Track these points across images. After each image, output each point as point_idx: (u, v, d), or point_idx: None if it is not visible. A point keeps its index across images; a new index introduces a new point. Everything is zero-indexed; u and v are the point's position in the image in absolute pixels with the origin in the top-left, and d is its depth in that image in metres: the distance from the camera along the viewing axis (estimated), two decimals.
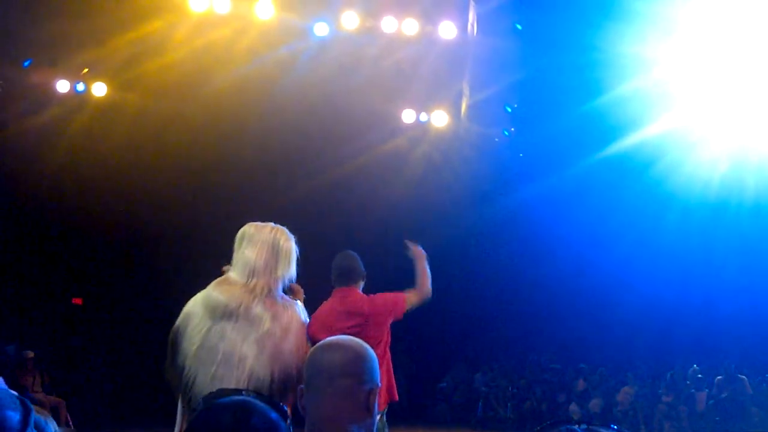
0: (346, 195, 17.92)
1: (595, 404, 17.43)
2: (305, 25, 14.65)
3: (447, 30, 14.90)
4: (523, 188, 18.08)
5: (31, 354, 15.21)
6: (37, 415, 2.08)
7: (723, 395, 15.84)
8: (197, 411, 1.98)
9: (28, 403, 1.81)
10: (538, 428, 1.84)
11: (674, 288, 17.24)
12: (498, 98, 16.84)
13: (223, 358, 4.35)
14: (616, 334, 18.31)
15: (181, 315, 4.58)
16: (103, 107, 15.99)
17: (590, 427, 1.85)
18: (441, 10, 14.99)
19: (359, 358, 2.62)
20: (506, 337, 20.22)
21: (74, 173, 16.57)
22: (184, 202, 17.48)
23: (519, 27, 15.61)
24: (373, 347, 2.72)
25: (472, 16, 15.10)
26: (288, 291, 4.72)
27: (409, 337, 18.57)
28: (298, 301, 4.68)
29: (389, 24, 14.64)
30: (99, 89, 15.67)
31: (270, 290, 4.50)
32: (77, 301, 20.42)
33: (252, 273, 4.51)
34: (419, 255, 6.30)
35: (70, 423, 14.27)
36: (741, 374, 16.08)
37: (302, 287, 5.13)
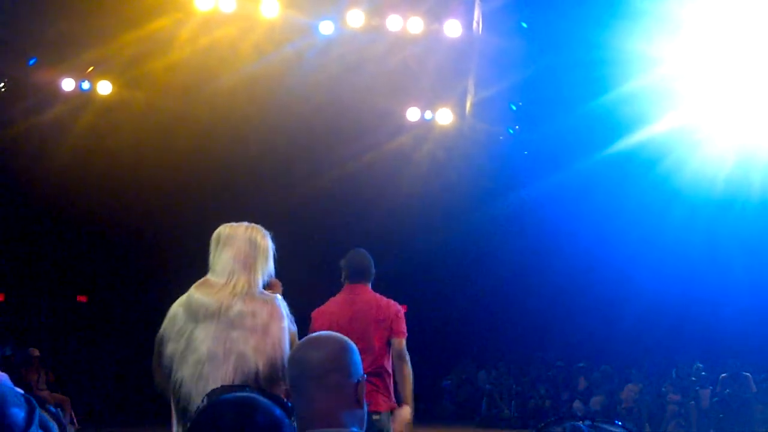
0: (351, 193, 17.94)
1: (596, 402, 17.42)
2: (311, 23, 14.65)
3: (452, 28, 14.89)
4: (528, 186, 18.09)
5: (36, 352, 15.24)
6: (43, 413, 2.08)
7: (727, 392, 15.83)
8: (201, 408, 1.98)
9: (33, 400, 1.82)
10: (543, 424, 1.84)
11: (679, 285, 17.22)
12: (503, 96, 16.84)
13: (208, 358, 4.41)
14: (621, 332, 18.30)
15: (166, 319, 4.64)
16: (109, 106, 15.99)
17: (595, 423, 1.84)
18: (446, 8, 14.98)
19: (344, 351, 2.65)
20: (510, 334, 20.21)
21: (79, 171, 16.58)
22: (190, 199, 17.49)
23: (524, 25, 15.59)
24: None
25: (477, 14, 15.09)
26: (266, 286, 4.78)
27: (412, 335, 18.56)
28: (278, 295, 4.73)
29: (394, 22, 14.64)
30: (104, 88, 15.67)
31: (250, 287, 4.55)
32: (82, 298, 20.47)
33: (232, 272, 4.56)
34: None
35: (75, 421, 14.31)
36: (745, 372, 16.06)
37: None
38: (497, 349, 20.73)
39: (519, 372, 19.91)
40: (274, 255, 4.74)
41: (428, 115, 16.89)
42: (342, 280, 6.27)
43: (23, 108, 15.60)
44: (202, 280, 4.66)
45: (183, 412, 4.46)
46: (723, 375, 16.16)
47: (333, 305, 6.18)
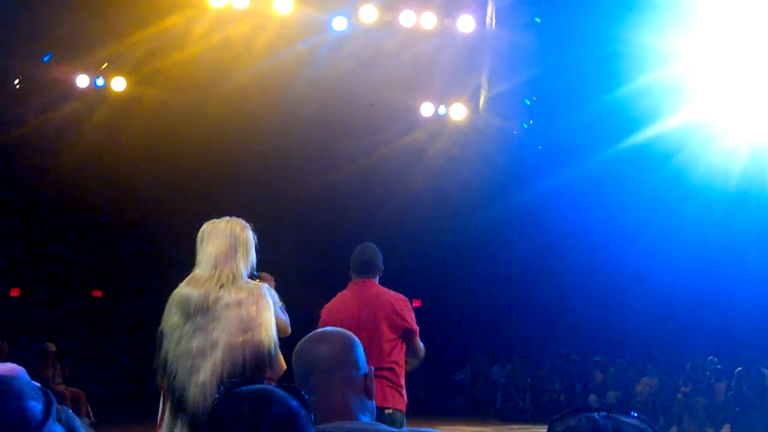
0: (365, 188, 17.93)
1: (612, 396, 17.40)
2: (324, 19, 14.67)
3: (465, 23, 14.88)
4: (541, 181, 18.05)
5: (52, 347, 15.30)
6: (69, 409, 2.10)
7: (743, 387, 15.78)
8: (217, 399, 2.00)
9: (50, 393, 1.84)
10: (558, 416, 1.85)
11: (694, 280, 17.16)
12: (516, 91, 16.81)
13: (198, 350, 4.58)
14: (636, 326, 18.27)
15: (163, 316, 4.83)
16: (123, 102, 16.05)
17: (610, 414, 1.85)
18: (459, 3, 14.97)
19: (350, 345, 2.69)
20: (525, 328, 20.18)
21: (93, 168, 16.64)
22: (203, 195, 17.53)
23: (538, 20, 15.58)
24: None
25: (490, 9, 15.08)
26: (258, 280, 4.97)
27: (426, 330, 18.57)
28: (265, 283, 4.86)
29: (408, 18, 14.64)
30: (118, 84, 15.73)
31: (235, 277, 4.72)
32: (97, 293, 20.55)
33: (216, 265, 4.75)
34: None
35: (91, 415, 14.36)
36: (761, 366, 16.00)
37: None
38: (511, 343, 20.71)
39: (533, 366, 19.89)
40: (255, 246, 4.92)
41: (442, 110, 16.87)
42: (350, 274, 6.27)
43: (38, 105, 15.67)
44: (190, 275, 4.84)
45: (178, 404, 4.64)
46: (738, 369, 16.11)
47: (340, 301, 6.18)
